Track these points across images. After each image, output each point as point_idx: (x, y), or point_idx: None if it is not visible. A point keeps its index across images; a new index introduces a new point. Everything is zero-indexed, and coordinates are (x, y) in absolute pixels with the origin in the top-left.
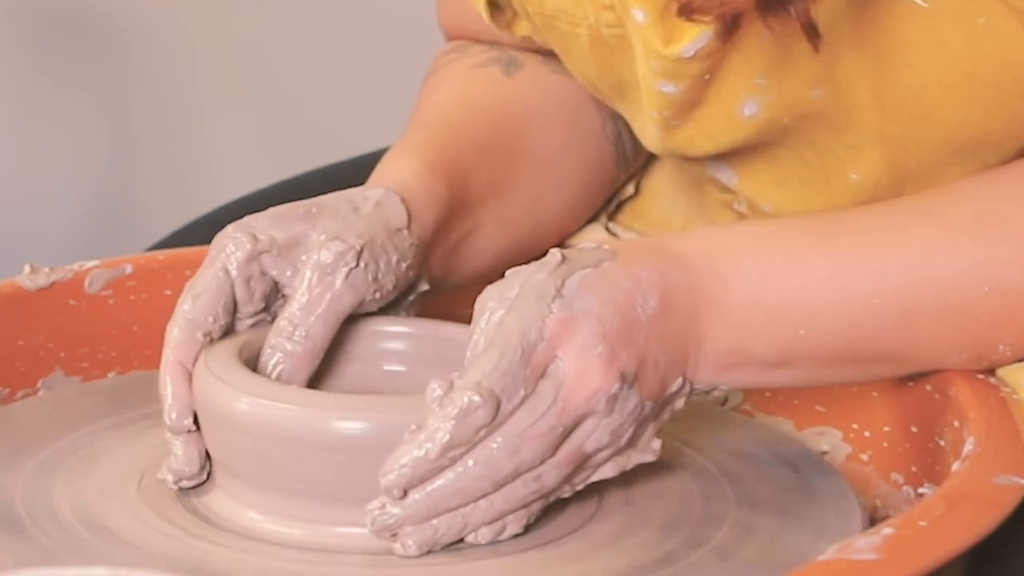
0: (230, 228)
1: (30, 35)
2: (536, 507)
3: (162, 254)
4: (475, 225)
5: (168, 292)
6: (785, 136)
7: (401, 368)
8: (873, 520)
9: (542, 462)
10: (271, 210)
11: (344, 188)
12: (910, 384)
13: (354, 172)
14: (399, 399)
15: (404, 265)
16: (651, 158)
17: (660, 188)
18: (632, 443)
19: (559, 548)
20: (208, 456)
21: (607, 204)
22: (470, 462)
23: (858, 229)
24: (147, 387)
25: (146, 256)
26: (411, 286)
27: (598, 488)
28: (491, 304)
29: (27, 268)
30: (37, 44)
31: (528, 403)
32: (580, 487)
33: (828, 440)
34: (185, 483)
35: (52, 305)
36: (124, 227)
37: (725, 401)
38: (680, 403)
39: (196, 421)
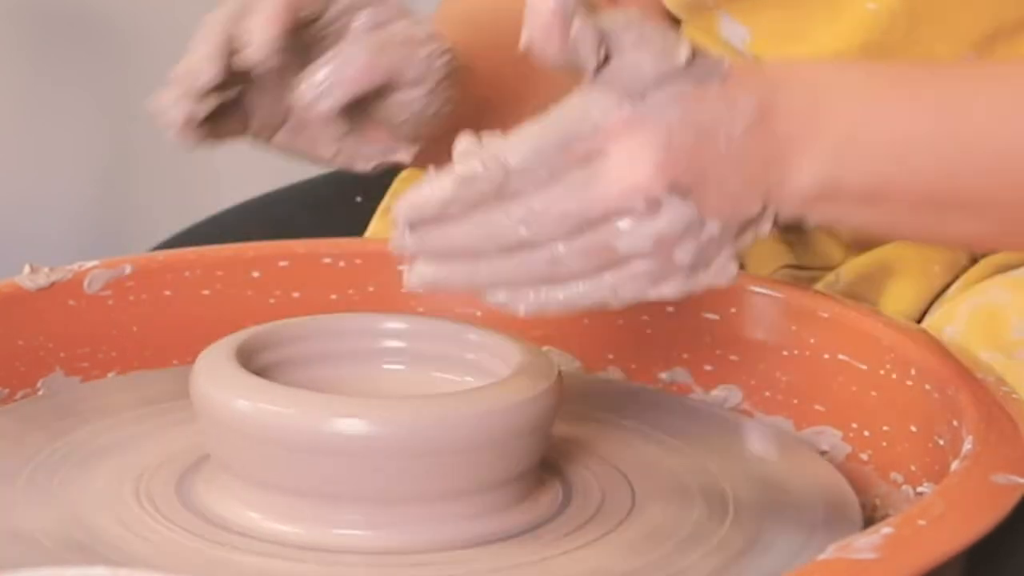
0: None
1: (30, 35)
2: (563, 296)
3: (162, 254)
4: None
5: (168, 292)
6: None
7: (401, 367)
8: (873, 520)
9: (561, 243)
10: None
11: (348, 194)
12: (909, 384)
13: (361, 177)
14: (399, 399)
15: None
16: None
17: None
18: (699, 265)
19: (547, 551)
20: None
21: None
22: (474, 220)
23: (958, 75)
24: (149, 386)
25: (146, 256)
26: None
27: (601, 489)
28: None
29: (27, 268)
30: (37, 44)
31: (553, 183)
32: (630, 299)
33: (828, 440)
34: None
35: (52, 305)
36: (124, 227)
37: (725, 401)
38: (765, 229)
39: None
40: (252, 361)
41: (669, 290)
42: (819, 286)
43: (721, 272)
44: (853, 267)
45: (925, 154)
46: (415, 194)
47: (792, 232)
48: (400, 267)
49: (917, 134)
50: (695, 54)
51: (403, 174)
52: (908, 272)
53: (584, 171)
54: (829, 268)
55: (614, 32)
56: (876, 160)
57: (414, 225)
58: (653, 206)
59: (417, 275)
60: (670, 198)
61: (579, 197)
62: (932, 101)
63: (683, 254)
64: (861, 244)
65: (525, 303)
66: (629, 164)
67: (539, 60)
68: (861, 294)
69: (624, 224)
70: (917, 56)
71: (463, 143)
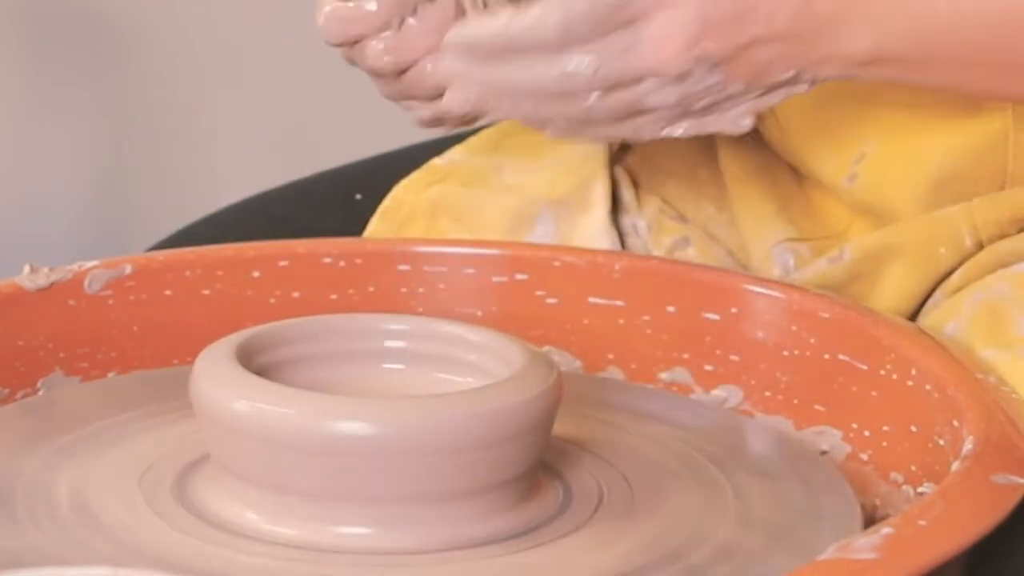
0: None
1: (30, 35)
2: (590, 133)
3: (162, 254)
4: None
5: (168, 292)
6: None
7: (401, 367)
8: (873, 520)
9: (594, 95)
10: None
11: (349, 192)
12: (910, 384)
13: (360, 175)
14: (399, 399)
15: None
16: None
17: None
18: (711, 110)
19: (547, 551)
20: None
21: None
22: (519, 64)
23: None
24: (149, 386)
25: (146, 256)
26: None
27: (601, 490)
28: None
29: (27, 268)
30: (37, 44)
31: (596, 41)
32: (647, 137)
33: (828, 440)
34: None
35: (52, 305)
36: (124, 227)
37: (725, 401)
38: (800, 89)
39: None
40: (252, 361)
41: (680, 131)
42: (823, 261)
43: (735, 122)
44: (859, 245)
45: (973, 14)
46: (471, 25)
47: (792, 196)
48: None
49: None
50: None
51: (405, 181)
52: (913, 253)
53: (625, 34)
54: (832, 236)
55: None
56: (925, 27)
57: (460, 52)
58: (682, 77)
59: (460, 98)
60: (699, 70)
61: (618, 62)
62: None
63: (699, 104)
64: (866, 210)
65: (553, 129)
66: (666, 35)
67: None
68: (864, 272)
69: (652, 84)
70: None
71: None
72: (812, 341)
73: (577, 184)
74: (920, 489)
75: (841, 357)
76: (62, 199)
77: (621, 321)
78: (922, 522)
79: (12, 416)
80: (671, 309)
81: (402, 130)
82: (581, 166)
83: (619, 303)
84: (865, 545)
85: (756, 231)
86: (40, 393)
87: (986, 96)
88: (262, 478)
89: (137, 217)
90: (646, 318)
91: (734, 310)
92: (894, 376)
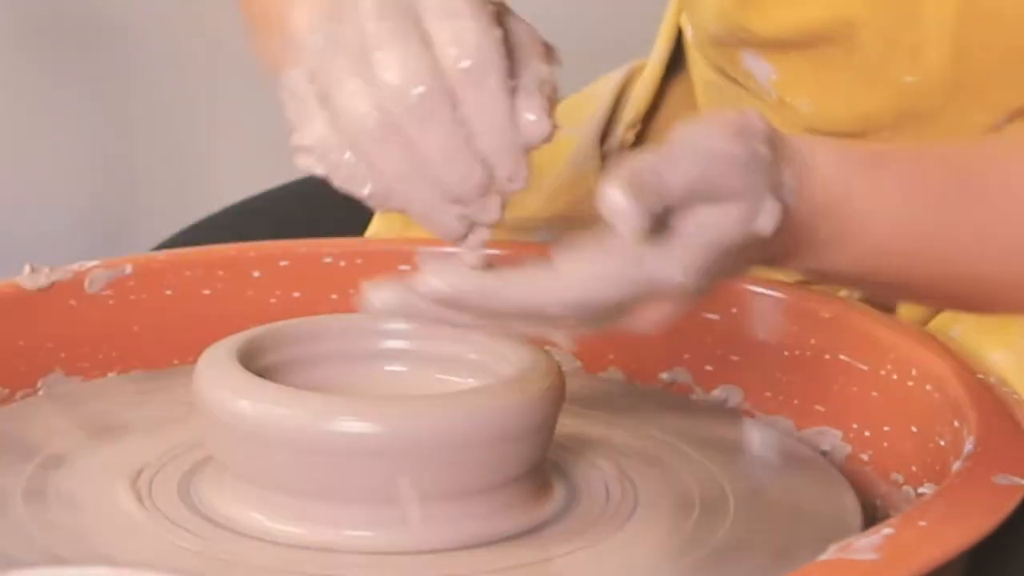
0: None
1: (31, 35)
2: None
3: (162, 254)
4: None
5: (168, 292)
6: (846, 29)
7: (403, 368)
8: (873, 520)
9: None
10: None
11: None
12: (910, 384)
13: None
14: (401, 399)
15: None
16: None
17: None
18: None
19: (550, 551)
20: None
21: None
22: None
23: (965, 168)
24: (149, 386)
25: (146, 256)
26: None
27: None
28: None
29: (27, 268)
30: (38, 45)
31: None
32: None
33: (828, 440)
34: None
35: (52, 305)
36: (124, 227)
37: (725, 401)
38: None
39: None
40: (254, 362)
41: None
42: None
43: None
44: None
45: (934, 250)
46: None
47: None
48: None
49: (919, 232)
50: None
51: None
52: None
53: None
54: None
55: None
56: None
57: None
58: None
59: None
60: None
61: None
62: (935, 199)
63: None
64: None
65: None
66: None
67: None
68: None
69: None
70: (951, 123)
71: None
72: (812, 341)
73: (572, 202)
74: (920, 489)
75: (841, 357)
76: (62, 199)
77: None
78: (922, 522)
79: (12, 416)
80: None
81: None
82: (576, 184)
83: None
84: (865, 545)
85: (770, 272)
86: (40, 393)
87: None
88: (264, 478)
89: (137, 217)
90: None
91: (734, 310)
92: (894, 376)
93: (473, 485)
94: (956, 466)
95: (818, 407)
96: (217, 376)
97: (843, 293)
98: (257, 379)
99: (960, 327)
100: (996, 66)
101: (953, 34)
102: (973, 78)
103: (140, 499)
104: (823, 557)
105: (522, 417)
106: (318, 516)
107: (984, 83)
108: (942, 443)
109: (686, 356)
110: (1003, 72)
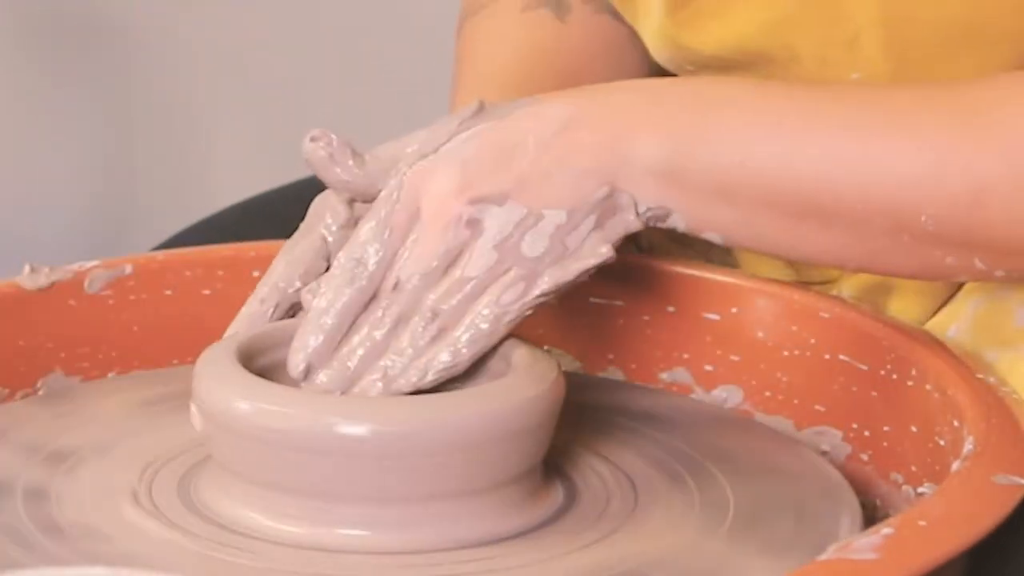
0: (330, 196)
1: (32, 36)
2: (447, 354)
3: (162, 254)
4: None
5: (168, 292)
6: (784, 36)
7: None
8: (873, 520)
9: (430, 299)
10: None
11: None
12: (910, 384)
13: None
14: (400, 399)
15: None
16: None
17: None
18: (563, 253)
19: (549, 551)
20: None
21: None
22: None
23: (823, 91)
24: (149, 386)
25: (146, 256)
26: None
27: (603, 490)
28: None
29: (27, 268)
30: (39, 45)
31: (398, 260)
32: (517, 310)
33: (828, 440)
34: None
35: (52, 305)
36: (124, 227)
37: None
38: (630, 217)
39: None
40: (253, 362)
41: (544, 284)
42: None
43: (591, 253)
44: (854, 283)
45: (765, 147)
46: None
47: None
48: None
49: (758, 134)
50: (491, 104)
51: None
52: (909, 287)
53: (414, 233)
54: (830, 282)
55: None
56: (717, 151)
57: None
58: (473, 225)
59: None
60: (486, 209)
61: (416, 257)
62: (783, 107)
63: (531, 247)
64: None
65: (407, 380)
66: (436, 207)
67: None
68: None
69: (465, 253)
70: None
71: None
72: (812, 341)
73: None
74: (920, 489)
75: (841, 357)
76: (62, 199)
77: (621, 321)
78: (922, 522)
79: (12, 416)
80: (671, 309)
81: (401, 130)
82: None
83: (619, 303)
84: (865, 545)
85: (753, 270)
86: (40, 393)
87: (804, 257)
88: (263, 478)
89: (137, 217)
90: (646, 318)
91: (734, 310)
92: (894, 376)
93: (472, 485)
94: (956, 466)
95: (818, 407)
96: (217, 376)
97: (845, 294)
98: (256, 379)
99: (957, 326)
100: (938, 42)
101: (881, 17)
102: (917, 60)
103: (138, 498)
104: (823, 557)
105: (520, 417)
106: (316, 515)
107: (928, 65)
108: (942, 443)
109: (686, 356)
110: (949, 51)
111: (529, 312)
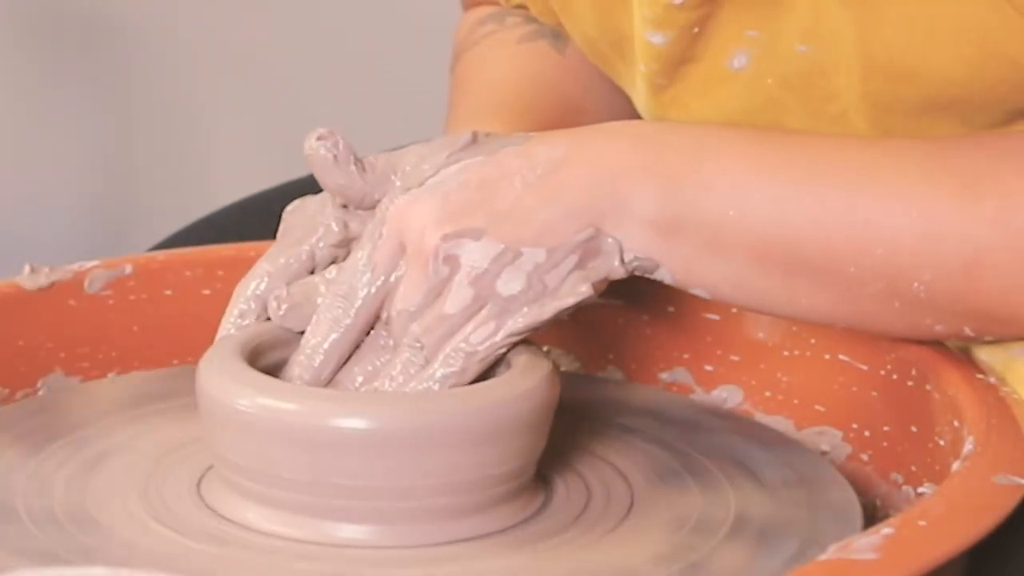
0: (317, 207)
1: (32, 36)
2: (437, 378)
3: (162, 254)
4: None
5: (168, 292)
6: (770, 116)
7: None
8: (873, 520)
9: (412, 331)
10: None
11: None
12: (910, 384)
13: None
14: (401, 395)
15: None
16: None
17: None
18: (541, 292)
19: (548, 547)
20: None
21: None
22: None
23: (818, 143)
24: (149, 386)
25: (146, 256)
26: None
27: (600, 488)
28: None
29: (27, 268)
30: (39, 45)
31: (388, 295)
32: (488, 346)
33: (828, 440)
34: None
35: (52, 305)
36: (124, 227)
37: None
38: (614, 263)
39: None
40: (257, 361)
41: (518, 324)
42: None
43: (571, 292)
44: None
45: (761, 201)
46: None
47: None
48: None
49: (753, 186)
50: (483, 135)
51: None
52: None
53: (400, 268)
54: None
55: (396, 155)
56: (712, 200)
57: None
58: (451, 261)
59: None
60: (461, 245)
61: (401, 296)
62: (780, 159)
63: (506, 286)
64: None
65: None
66: (417, 240)
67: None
68: None
69: (447, 289)
70: None
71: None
72: (812, 341)
73: None
74: (920, 489)
75: (841, 357)
76: (62, 199)
77: (621, 321)
78: (922, 522)
79: (13, 416)
80: (671, 309)
81: (401, 130)
82: None
83: (619, 303)
84: (865, 545)
85: None
86: (40, 393)
87: (791, 315)
88: (265, 475)
89: (137, 217)
90: (646, 318)
91: (734, 310)
92: (894, 376)
93: (470, 480)
94: (956, 466)
95: (818, 407)
96: (220, 373)
97: None
98: (259, 375)
99: None
100: (919, 116)
101: (864, 97)
102: (903, 131)
103: (139, 498)
104: (823, 557)
105: (518, 415)
106: (318, 511)
107: (917, 132)
108: (942, 443)
109: (686, 356)
110: (929, 123)
111: (503, 350)
